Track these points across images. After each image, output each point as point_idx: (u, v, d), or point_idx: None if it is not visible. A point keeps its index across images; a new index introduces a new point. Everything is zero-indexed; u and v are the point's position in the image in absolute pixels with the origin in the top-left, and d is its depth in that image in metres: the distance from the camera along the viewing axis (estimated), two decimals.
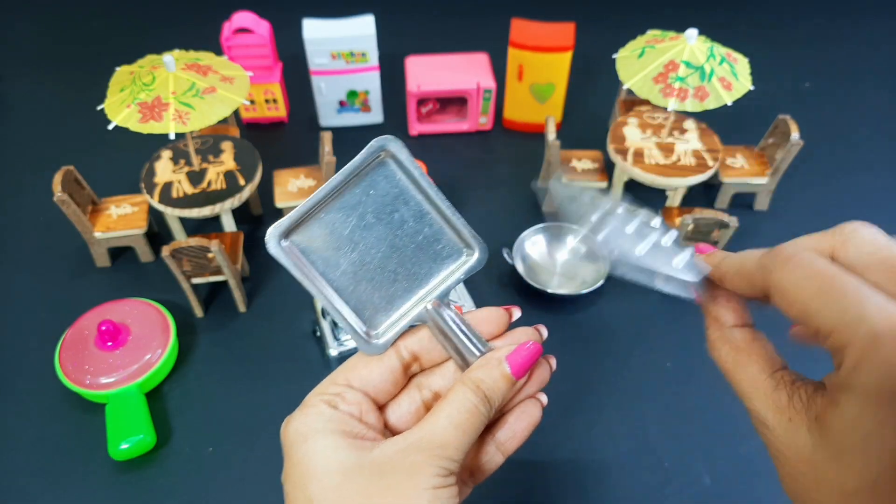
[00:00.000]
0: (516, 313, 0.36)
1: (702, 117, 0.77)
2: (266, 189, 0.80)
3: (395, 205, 0.33)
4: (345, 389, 0.32)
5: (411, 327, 0.34)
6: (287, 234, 0.32)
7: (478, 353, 0.33)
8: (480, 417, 0.31)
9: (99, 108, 0.63)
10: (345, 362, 0.34)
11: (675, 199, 0.76)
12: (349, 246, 0.33)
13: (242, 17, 0.85)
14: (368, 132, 0.93)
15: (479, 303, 0.69)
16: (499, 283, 0.74)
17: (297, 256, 0.33)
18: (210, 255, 0.66)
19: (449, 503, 0.29)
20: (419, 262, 0.34)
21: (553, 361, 0.36)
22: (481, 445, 0.34)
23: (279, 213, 0.79)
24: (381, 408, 0.34)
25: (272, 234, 0.32)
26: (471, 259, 0.35)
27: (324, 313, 0.66)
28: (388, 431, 0.34)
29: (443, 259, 0.34)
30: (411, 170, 0.33)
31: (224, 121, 0.83)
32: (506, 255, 0.74)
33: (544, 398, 0.35)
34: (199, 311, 0.70)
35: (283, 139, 0.93)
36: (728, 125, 0.81)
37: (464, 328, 0.33)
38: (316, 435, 0.30)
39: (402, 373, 0.34)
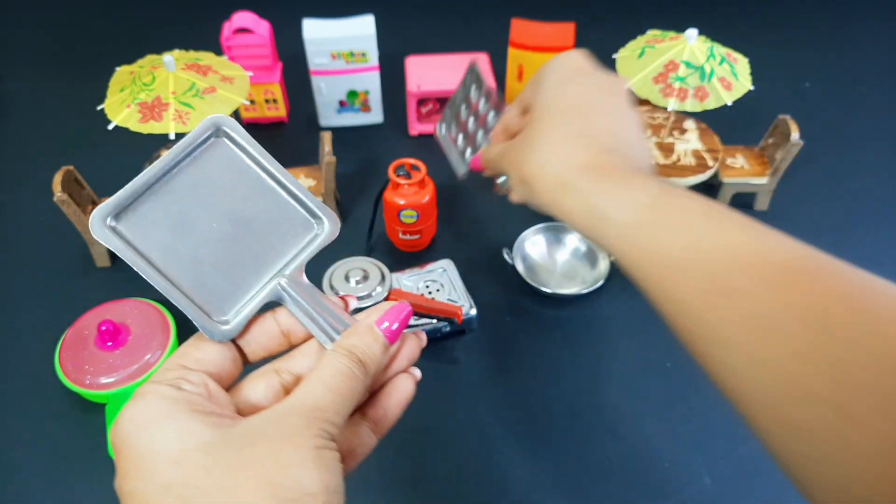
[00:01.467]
0: (353, 303, 0.34)
1: (702, 117, 0.77)
2: None
3: (235, 184, 0.32)
4: (184, 372, 0.29)
5: (269, 307, 0.33)
6: (116, 215, 0.30)
7: (344, 325, 0.32)
8: (356, 381, 0.29)
9: (99, 108, 0.63)
10: (177, 349, 0.31)
11: None
12: (187, 229, 0.31)
13: (242, 17, 0.85)
14: (368, 132, 0.93)
15: (479, 303, 0.69)
16: (499, 283, 0.74)
17: (126, 241, 0.30)
18: None
19: (335, 468, 0.26)
20: (267, 240, 0.32)
21: (423, 337, 0.35)
22: (352, 427, 0.32)
23: None
24: (230, 392, 0.31)
25: (96, 216, 0.30)
26: (322, 232, 0.33)
27: None
28: (247, 411, 0.30)
29: (292, 235, 0.33)
30: (248, 147, 0.32)
31: None
32: (506, 256, 0.74)
33: (417, 372, 0.34)
34: None
35: (283, 139, 0.93)
36: (728, 125, 0.81)
37: (324, 303, 0.32)
38: (161, 420, 0.26)
39: (240, 352, 0.32)
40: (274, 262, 0.32)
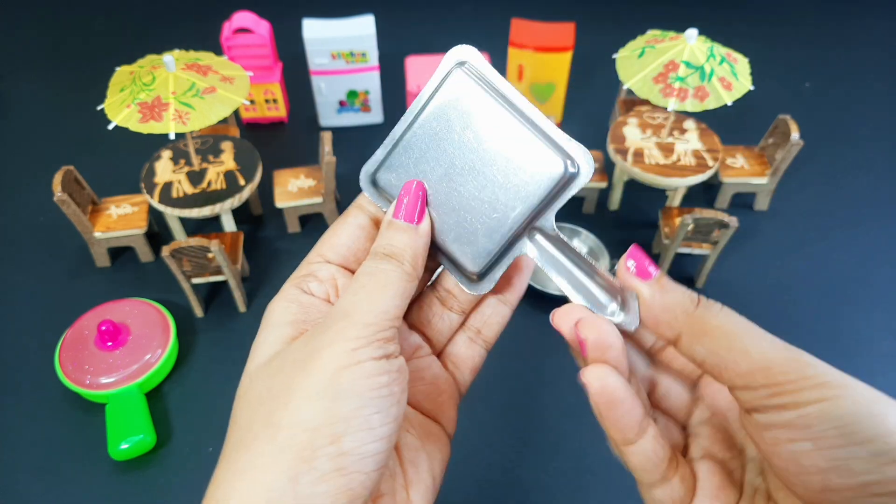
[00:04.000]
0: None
1: (702, 117, 0.77)
2: (266, 189, 0.80)
3: (477, 120, 0.29)
4: (317, 267, 0.30)
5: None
6: (376, 171, 0.31)
7: (599, 281, 0.29)
8: (385, 275, 0.27)
9: (99, 108, 0.63)
10: (320, 239, 0.31)
11: (674, 199, 0.77)
12: (435, 176, 0.30)
13: (242, 17, 0.85)
14: (369, 132, 0.93)
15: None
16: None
17: (387, 195, 0.31)
18: (210, 255, 0.66)
19: (376, 371, 0.25)
20: (513, 184, 0.29)
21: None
22: (455, 337, 0.33)
23: (279, 214, 0.79)
24: None
25: (363, 177, 0.31)
26: (577, 173, 0.29)
27: None
28: None
29: (542, 177, 0.29)
30: (492, 79, 0.29)
31: (224, 121, 0.83)
32: None
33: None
34: (199, 311, 0.70)
35: (283, 139, 0.93)
36: (728, 125, 0.81)
37: (576, 258, 0.30)
38: (272, 326, 0.28)
39: (375, 227, 0.31)
40: (524, 210, 0.29)
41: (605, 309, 0.29)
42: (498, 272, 0.31)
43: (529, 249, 0.30)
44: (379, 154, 0.31)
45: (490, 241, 0.30)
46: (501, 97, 0.29)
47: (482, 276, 0.31)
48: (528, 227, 0.30)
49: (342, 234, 0.31)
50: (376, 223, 0.31)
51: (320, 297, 0.29)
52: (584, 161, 0.28)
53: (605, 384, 0.28)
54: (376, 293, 0.27)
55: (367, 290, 0.27)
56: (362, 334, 0.25)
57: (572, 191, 0.29)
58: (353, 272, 0.30)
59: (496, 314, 0.34)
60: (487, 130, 0.29)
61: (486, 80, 0.29)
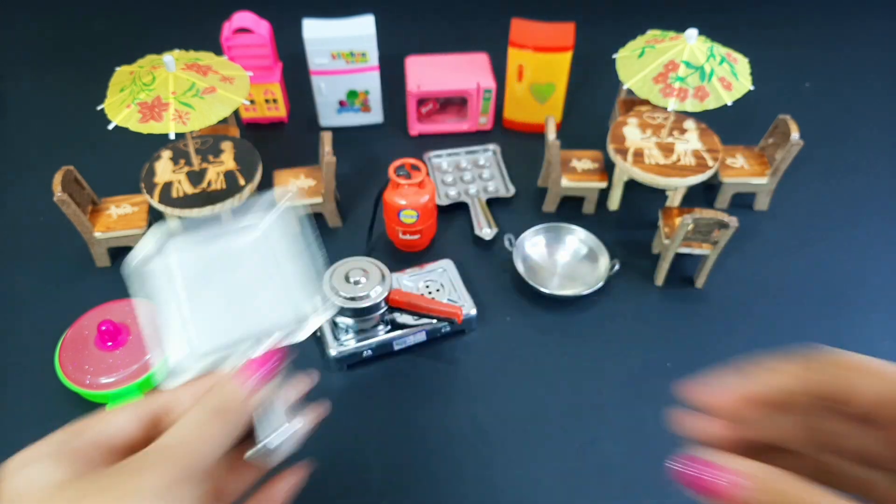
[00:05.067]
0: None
1: (702, 117, 0.77)
2: (266, 189, 0.80)
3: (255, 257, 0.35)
4: (71, 437, 0.30)
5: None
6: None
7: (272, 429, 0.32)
8: (216, 427, 0.29)
9: (99, 108, 0.63)
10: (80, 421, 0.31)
11: (675, 199, 0.77)
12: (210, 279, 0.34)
13: (242, 17, 0.85)
14: (368, 132, 0.93)
15: (479, 303, 0.69)
16: (499, 284, 0.74)
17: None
18: None
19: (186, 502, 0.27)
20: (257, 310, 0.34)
21: (314, 378, 0.36)
22: (231, 470, 0.33)
23: None
24: None
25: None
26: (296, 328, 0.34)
27: None
28: None
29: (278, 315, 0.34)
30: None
31: (224, 121, 0.83)
32: (507, 243, 0.75)
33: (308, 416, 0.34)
34: None
35: (283, 139, 0.93)
36: (728, 125, 0.81)
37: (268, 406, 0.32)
38: (32, 463, 0.27)
39: (153, 427, 0.31)
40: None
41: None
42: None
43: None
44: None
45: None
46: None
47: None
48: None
49: (115, 422, 0.30)
50: (155, 423, 0.31)
51: (88, 444, 0.29)
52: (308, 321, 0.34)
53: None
54: (204, 439, 0.29)
55: (197, 435, 0.29)
56: (177, 471, 0.27)
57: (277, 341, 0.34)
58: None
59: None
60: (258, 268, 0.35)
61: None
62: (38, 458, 0.28)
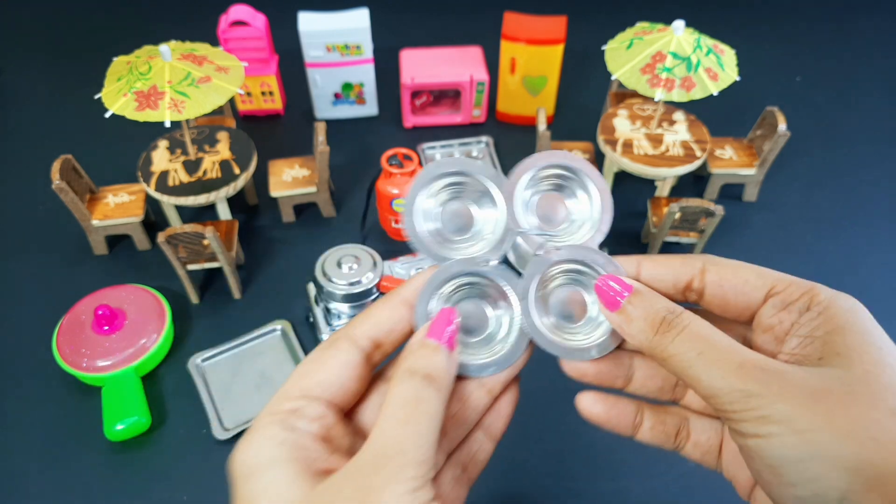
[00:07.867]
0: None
1: (691, 109, 0.78)
2: (261, 180, 0.81)
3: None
4: (302, 403, 0.27)
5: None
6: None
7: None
8: (429, 403, 0.27)
9: (96, 96, 0.64)
10: (297, 368, 0.29)
11: (663, 189, 0.78)
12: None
13: (239, 10, 0.86)
14: (363, 124, 0.94)
15: None
16: None
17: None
18: (205, 241, 0.67)
19: None
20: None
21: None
22: (440, 476, 0.30)
23: (274, 204, 0.80)
24: (350, 413, 0.30)
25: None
26: None
27: (316, 300, 0.67)
28: (362, 441, 0.27)
29: None
30: None
31: (221, 112, 0.84)
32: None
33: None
34: (194, 298, 0.72)
35: (279, 131, 0.94)
36: (718, 117, 0.82)
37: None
38: (264, 469, 0.25)
39: (366, 366, 0.29)
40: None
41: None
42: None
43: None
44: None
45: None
46: None
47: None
48: None
49: (330, 370, 0.28)
50: (369, 360, 0.30)
51: (312, 435, 0.27)
52: None
53: (589, 414, 0.34)
54: (423, 424, 0.26)
55: (415, 422, 0.26)
56: (419, 473, 0.25)
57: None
58: (342, 412, 0.29)
59: (482, 451, 0.32)
60: None
61: None
62: (270, 460, 0.26)
